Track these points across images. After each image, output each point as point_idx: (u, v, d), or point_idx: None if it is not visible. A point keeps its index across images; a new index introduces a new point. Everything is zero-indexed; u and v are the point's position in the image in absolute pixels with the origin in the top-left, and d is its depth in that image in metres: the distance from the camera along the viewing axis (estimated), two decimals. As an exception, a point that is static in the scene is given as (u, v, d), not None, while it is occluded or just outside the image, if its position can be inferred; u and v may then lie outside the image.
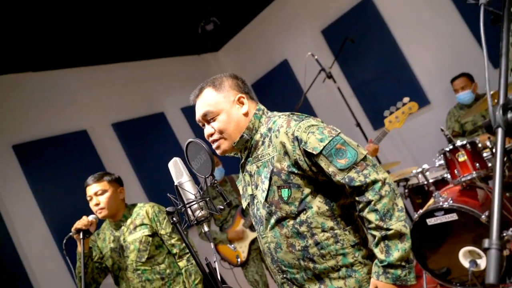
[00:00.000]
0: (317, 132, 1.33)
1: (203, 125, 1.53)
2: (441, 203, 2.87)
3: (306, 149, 1.32)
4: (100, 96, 4.41)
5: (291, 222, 1.39)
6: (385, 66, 4.53)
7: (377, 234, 1.26)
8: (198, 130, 4.91)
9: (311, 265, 1.38)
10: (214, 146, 1.51)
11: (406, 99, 2.84)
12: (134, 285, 2.29)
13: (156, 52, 4.92)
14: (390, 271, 1.25)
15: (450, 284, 2.93)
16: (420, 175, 3.30)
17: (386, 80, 4.54)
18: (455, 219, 2.83)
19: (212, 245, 1.31)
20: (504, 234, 2.63)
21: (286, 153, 1.37)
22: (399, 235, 1.25)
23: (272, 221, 1.42)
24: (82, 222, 2.14)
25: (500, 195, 0.71)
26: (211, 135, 1.49)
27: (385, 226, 1.24)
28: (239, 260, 3.46)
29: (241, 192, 1.60)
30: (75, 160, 3.92)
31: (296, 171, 1.36)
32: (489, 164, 3.01)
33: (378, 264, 1.28)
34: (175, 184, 1.36)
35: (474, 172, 2.96)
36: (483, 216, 2.69)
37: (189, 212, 1.31)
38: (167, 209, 1.32)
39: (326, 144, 1.31)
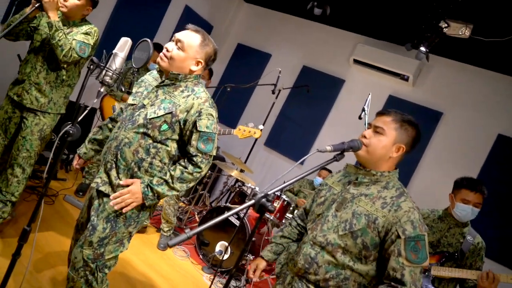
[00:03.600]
0: (210, 121, 1.62)
1: (172, 40, 1.65)
2: (241, 212, 3.34)
3: (196, 122, 1.60)
4: None
5: (150, 141, 1.61)
6: (307, 122, 4.91)
7: (167, 177, 1.61)
8: (180, 29, 4.85)
9: (135, 169, 1.62)
10: (160, 55, 1.63)
11: (261, 127, 3.26)
12: (30, 65, 2.27)
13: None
14: (149, 190, 1.60)
15: (199, 249, 3.42)
16: (250, 189, 3.76)
17: (299, 129, 4.93)
18: (237, 225, 3.31)
19: (95, 100, 1.48)
20: (247, 255, 3.15)
21: (187, 112, 1.60)
22: (172, 189, 1.62)
23: (141, 130, 1.60)
24: None
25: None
26: (167, 50, 1.62)
27: (173, 180, 1.61)
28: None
29: (134, 90, 1.72)
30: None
31: (181, 124, 1.61)
32: (283, 221, 3.58)
33: (147, 180, 1.61)
34: (113, 51, 1.51)
35: (272, 216, 3.49)
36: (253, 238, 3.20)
37: (103, 72, 1.48)
38: (93, 58, 1.47)
39: (207, 131, 1.62)
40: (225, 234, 3.32)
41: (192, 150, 1.62)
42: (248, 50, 5.53)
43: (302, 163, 4.82)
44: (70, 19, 2.34)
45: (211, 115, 1.63)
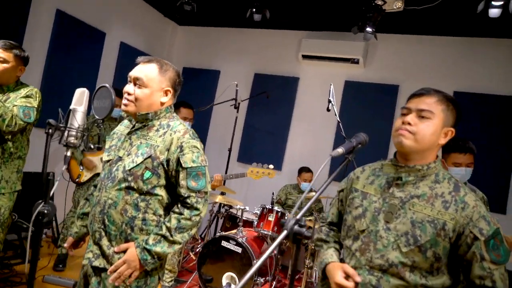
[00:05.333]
0: (195, 154, 1.44)
1: (130, 82, 1.50)
2: (238, 237, 3.16)
3: (179, 159, 1.41)
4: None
5: (136, 194, 1.41)
6: (274, 128, 4.83)
7: (164, 231, 1.38)
8: (120, 67, 4.60)
9: (128, 231, 1.41)
10: (123, 102, 1.47)
11: (271, 166, 3.19)
12: None
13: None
14: (146, 254, 1.37)
15: (205, 289, 3.19)
16: (239, 210, 3.58)
17: (268, 136, 4.85)
18: (239, 251, 3.13)
19: (64, 166, 1.28)
20: (256, 278, 2.98)
21: (168, 150, 1.42)
22: (173, 243, 1.39)
23: (123, 185, 1.42)
24: None
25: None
26: (129, 94, 1.47)
27: (171, 233, 1.38)
28: (78, 180, 3.28)
29: (107, 146, 1.55)
30: None
31: (165, 166, 1.42)
32: (282, 233, 3.44)
33: (142, 242, 1.39)
34: (70, 107, 1.31)
35: (270, 232, 3.35)
36: (254, 261, 3.04)
37: (66, 134, 1.27)
38: (50, 120, 1.26)
39: (194, 165, 1.42)
40: (226, 263, 3.13)
41: (183, 191, 1.42)
42: (195, 72, 5.38)
43: (280, 169, 4.73)
44: (4, 85, 2.09)
45: (195, 147, 1.45)
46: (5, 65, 2.00)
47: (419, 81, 4.22)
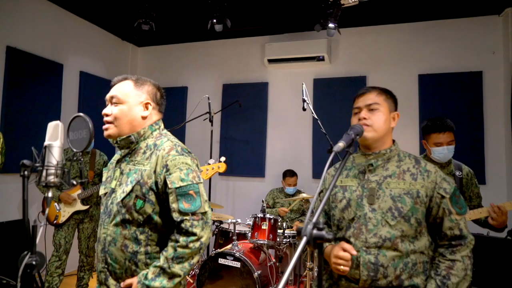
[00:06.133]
0: (184, 172, 1.30)
1: (107, 105, 1.42)
2: (234, 251, 3.07)
3: (166, 179, 1.29)
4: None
5: (134, 227, 1.31)
6: (251, 135, 4.78)
7: (162, 262, 1.26)
8: (84, 97, 4.40)
9: (133, 267, 1.31)
10: (104, 127, 1.39)
11: (222, 158, 2.80)
12: None
13: (87, 13, 4.37)
14: None
15: (209, 312, 3.06)
16: (231, 224, 3.49)
17: (246, 145, 4.79)
18: (238, 266, 3.03)
19: (47, 210, 1.16)
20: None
21: (154, 172, 1.31)
22: (172, 276, 1.25)
23: (118, 219, 1.32)
24: None
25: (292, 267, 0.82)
26: (107, 115, 1.38)
27: (169, 264, 1.25)
28: (55, 221, 3.06)
29: (104, 178, 1.46)
30: None
31: (154, 190, 1.31)
32: (278, 239, 3.37)
33: (142, 277, 1.26)
34: (45, 144, 1.19)
35: (266, 240, 3.27)
36: (256, 273, 2.95)
37: (44, 173, 1.15)
38: (24, 161, 1.13)
39: (183, 184, 1.29)
40: (226, 281, 3.03)
41: (176, 215, 1.27)
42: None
43: (263, 175, 4.67)
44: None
45: (183, 163, 1.31)
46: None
47: (384, 69, 4.33)
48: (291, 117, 4.65)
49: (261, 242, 3.25)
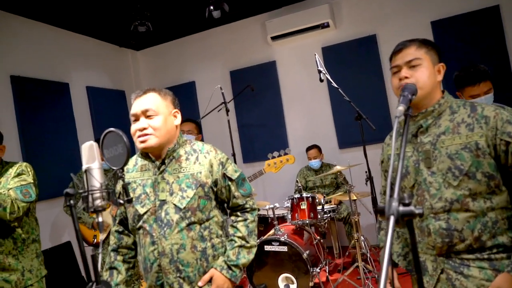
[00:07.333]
0: (232, 164, 1.53)
1: (135, 120, 1.41)
2: (279, 236, 3.01)
3: (225, 174, 1.48)
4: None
5: (198, 227, 1.42)
6: (268, 118, 4.68)
7: (238, 242, 1.47)
8: (96, 112, 4.34)
9: (205, 264, 1.42)
10: (141, 139, 1.38)
11: (288, 150, 2.81)
12: None
13: (82, 27, 4.26)
14: (234, 269, 1.44)
15: (265, 299, 3.03)
16: (270, 210, 3.42)
17: (265, 128, 4.70)
18: (285, 250, 2.99)
19: (101, 236, 1.10)
20: (312, 270, 2.83)
21: (211, 172, 1.45)
22: (250, 248, 1.50)
23: (183, 224, 1.39)
24: None
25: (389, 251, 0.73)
26: (144, 129, 1.38)
27: (247, 239, 1.48)
28: (95, 240, 3.05)
29: (133, 196, 1.45)
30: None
31: (214, 187, 1.45)
32: (319, 216, 3.30)
33: (223, 263, 1.44)
34: (84, 167, 1.12)
35: (307, 219, 3.20)
36: (304, 254, 2.90)
37: (89, 199, 1.08)
38: (67, 190, 1.06)
39: (237, 175, 1.52)
40: (275, 266, 2.99)
41: (240, 201, 1.51)
42: (171, 90, 5.13)
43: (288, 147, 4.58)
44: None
45: (227, 158, 1.54)
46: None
47: (393, 23, 4.11)
48: (306, 91, 4.50)
49: (304, 222, 3.19)
